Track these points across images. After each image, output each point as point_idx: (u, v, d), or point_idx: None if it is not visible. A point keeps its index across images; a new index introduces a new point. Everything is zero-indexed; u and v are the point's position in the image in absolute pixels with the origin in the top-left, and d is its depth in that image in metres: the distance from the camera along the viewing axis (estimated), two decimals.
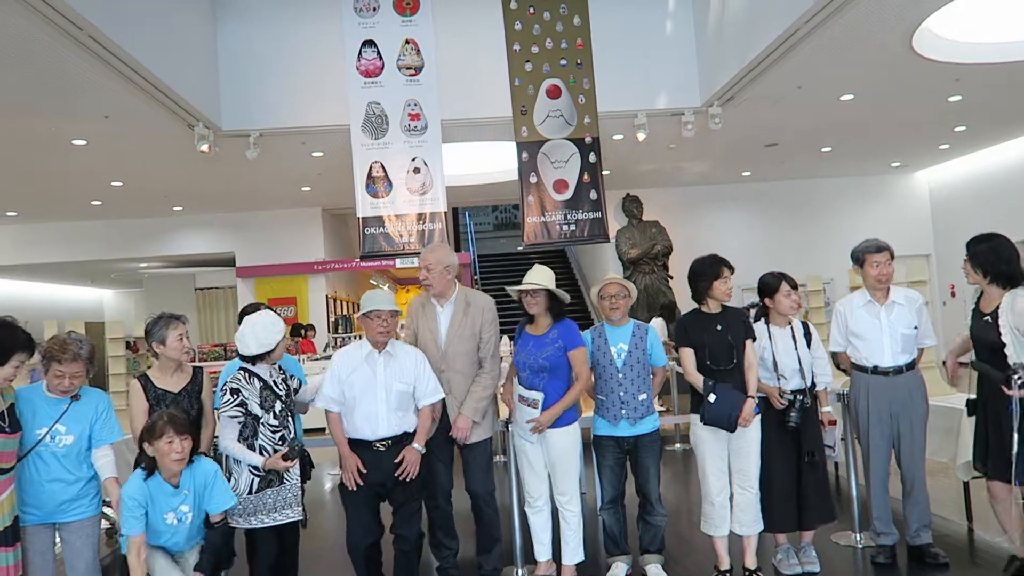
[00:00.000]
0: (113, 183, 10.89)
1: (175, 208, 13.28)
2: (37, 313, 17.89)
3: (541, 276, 4.07)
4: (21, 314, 15.79)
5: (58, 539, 3.47)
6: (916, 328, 4.12)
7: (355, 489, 3.73)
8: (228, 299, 17.64)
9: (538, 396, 3.91)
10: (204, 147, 8.39)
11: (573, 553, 4.09)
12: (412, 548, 3.89)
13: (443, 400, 4.00)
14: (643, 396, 4.10)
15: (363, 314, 3.77)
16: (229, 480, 3.60)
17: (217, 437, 3.75)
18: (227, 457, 3.75)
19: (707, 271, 4.04)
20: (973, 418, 3.80)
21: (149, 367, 4.15)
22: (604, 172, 11.30)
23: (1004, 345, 3.51)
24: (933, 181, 14.87)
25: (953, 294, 14.12)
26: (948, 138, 11.92)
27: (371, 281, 18.92)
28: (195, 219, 14.12)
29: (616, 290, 4.17)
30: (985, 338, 3.62)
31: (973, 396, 3.77)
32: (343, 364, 3.79)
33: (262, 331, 3.63)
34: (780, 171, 13.60)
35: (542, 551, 4.15)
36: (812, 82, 8.40)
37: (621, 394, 4.06)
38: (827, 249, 13.25)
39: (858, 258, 4.19)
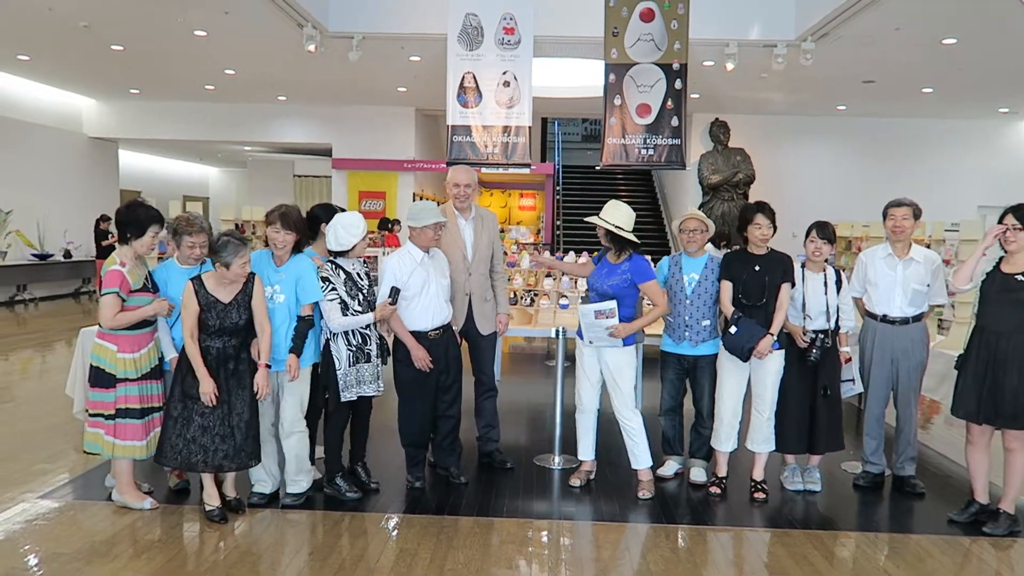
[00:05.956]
0: (227, 71, 11.70)
1: (280, 97, 14.05)
2: (151, 183, 19.36)
3: (620, 215, 4.30)
4: (139, 183, 17.11)
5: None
6: (928, 286, 4.45)
7: (427, 371, 4.27)
8: (323, 188, 18.52)
9: (612, 304, 4.26)
10: (311, 47, 8.96)
11: (639, 459, 4.45)
12: (458, 423, 4.57)
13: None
14: (706, 322, 4.53)
15: (424, 225, 4.21)
16: (333, 363, 4.13)
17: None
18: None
19: (745, 215, 4.39)
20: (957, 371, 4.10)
21: None
22: (693, 95, 11.30)
23: None
24: None
25: None
26: None
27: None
28: (298, 109, 14.87)
29: (695, 225, 4.55)
30: (1016, 294, 3.85)
31: (962, 352, 4.09)
32: (401, 269, 4.24)
33: (342, 231, 4.11)
34: (877, 108, 13.25)
35: (584, 451, 4.62)
36: (912, 24, 8.25)
37: (686, 318, 4.51)
38: (917, 192, 12.75)
39: (884, 211, 4.54)
